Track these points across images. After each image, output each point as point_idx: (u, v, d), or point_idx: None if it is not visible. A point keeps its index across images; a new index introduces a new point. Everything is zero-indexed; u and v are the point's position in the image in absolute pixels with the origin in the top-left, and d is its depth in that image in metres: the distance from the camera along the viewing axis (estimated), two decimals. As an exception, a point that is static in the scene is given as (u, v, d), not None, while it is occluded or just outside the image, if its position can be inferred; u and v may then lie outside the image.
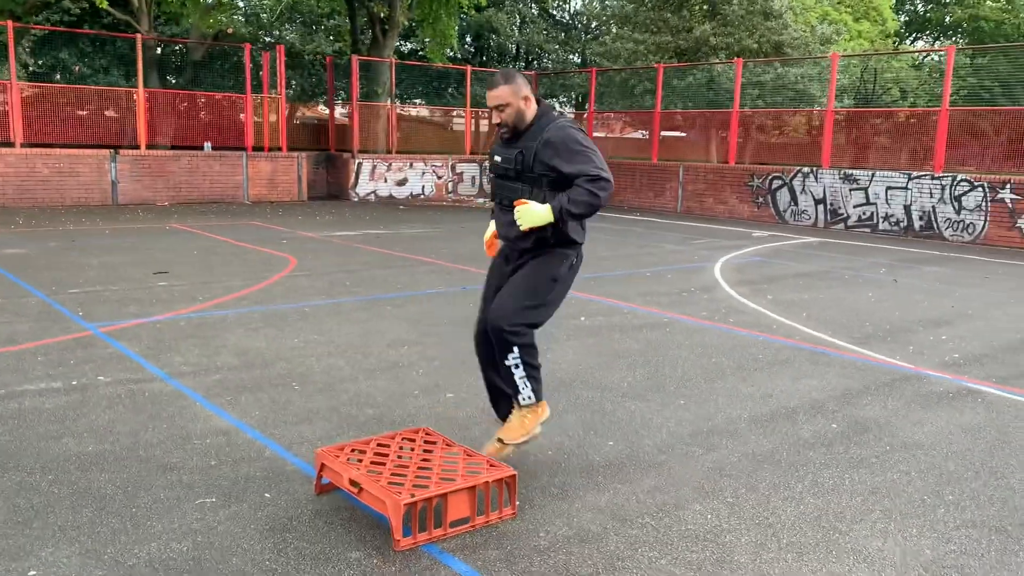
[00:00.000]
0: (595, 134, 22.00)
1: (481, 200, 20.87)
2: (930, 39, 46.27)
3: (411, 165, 20.52)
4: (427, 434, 3.95)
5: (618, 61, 24.37)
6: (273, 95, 19.30)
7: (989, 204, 13.97)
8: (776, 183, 16.97)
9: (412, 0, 21.96)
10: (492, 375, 4.11)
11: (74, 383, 5.21)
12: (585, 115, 24.65)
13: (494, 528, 3.46)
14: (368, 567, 3.13)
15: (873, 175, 15.49)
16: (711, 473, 4.11)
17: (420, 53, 30.83)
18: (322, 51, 28.39)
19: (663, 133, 22.44)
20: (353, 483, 3.43)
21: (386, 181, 20.17)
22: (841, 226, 15.90)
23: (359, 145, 19.89)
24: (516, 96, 3.77)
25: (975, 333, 7.38)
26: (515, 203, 3.73)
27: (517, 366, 3.84)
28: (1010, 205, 13.76)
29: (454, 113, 26.48)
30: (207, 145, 18.32)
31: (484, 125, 26.50)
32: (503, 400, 4.14)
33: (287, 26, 31.85)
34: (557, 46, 33.24)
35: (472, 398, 5.15)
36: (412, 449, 3.76)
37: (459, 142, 22.10)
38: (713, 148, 23.84)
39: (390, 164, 20.22)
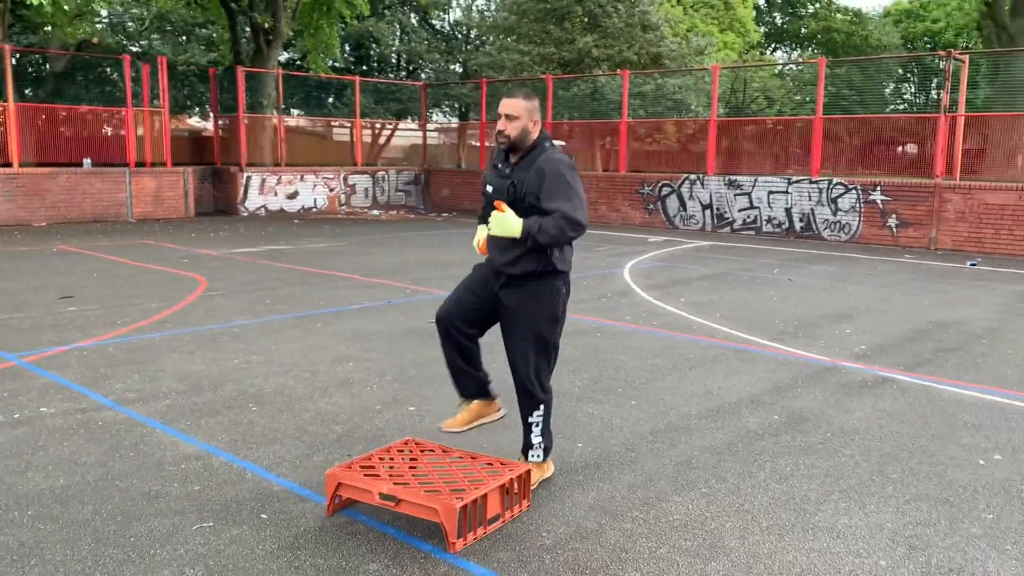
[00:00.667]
0: (486, 144, 22.28)
1: (376, 212, 20.78)
2: (788, 49, 49.11)
3: (302, 178, 20.22)
4: (417, 444, 4.05)
5: (504, 72, 24.78)
6: (156, 107, 18.61)
7: (862, 205, 15.07)
8: (665, 190, 17.70)
9: (296, 10, 21.65)
10: (455, 357, 4.08)
11: (16, 416, 5.00)
12: (471, 125, 24.86)
13: (497, 532, 3.60)
14: (389, 578, 3.22)
15: (755, 180, 16.41)
16: (680, 467, 4.38)
17: (298, 63, 30.37)
18: (195, 62, 27.54)
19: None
20: (387, 497, 3.50)
21: (276, 195, 19.79)
22: (727, 229, 16.76)
23: (247, 158, 19.44)
24: (529, 115, 3.79)
25: (874, 325, 8.03)
26: (496, 204, 3.77)
27: (537, 424, 4.02)
28: (881, 206, 14.89)
29: (335, 123, 26.25)
30: (87, 161, 17.49)
31: (368, 136, 26.34)
32: (466, 379, 4.13)
33: (155, 36, 30.72)
34: (439, 56, 33.43)
35: (436, 410, 5.26)
36: (415, 458, 3.86)
37: (350, 153, 21.93)
38: (598, 157, 24.55)
39: (280, 177, 19.87)
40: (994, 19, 25.70)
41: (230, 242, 14.10)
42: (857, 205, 15.16)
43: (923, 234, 14.48)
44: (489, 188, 3.95)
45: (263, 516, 3.73)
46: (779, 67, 37.39)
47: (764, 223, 16.27)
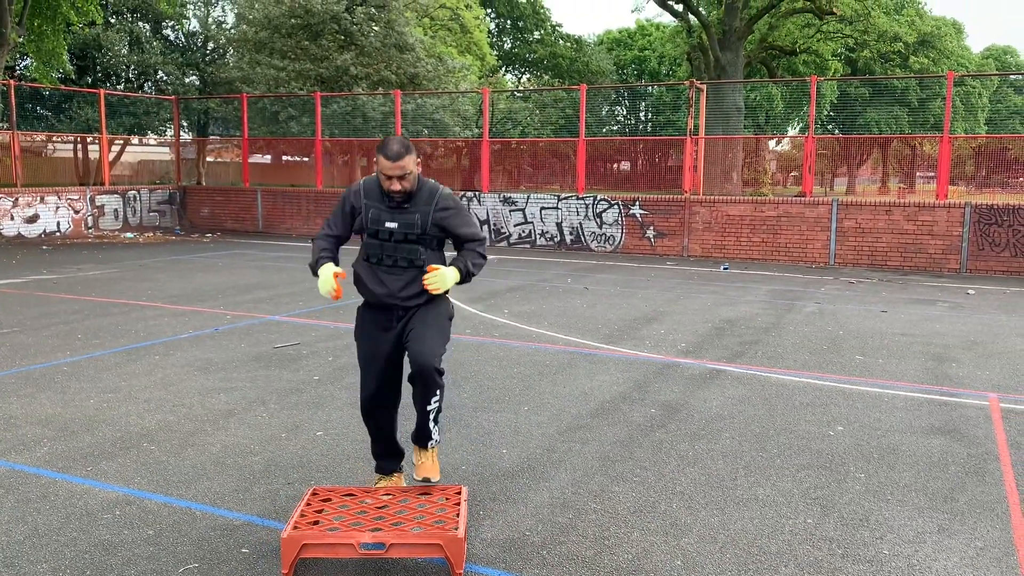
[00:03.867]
0: (251, 160, 21.57)
1: (130, 235, 19.31)
2: (519, 73, 51.96)
3: (42, 199, 18.32)
4: (328, 490, 3.88)
5: (258, 87, 24.05)
6: None
7: (624, 219, 16.57)
8: (440, 206, 18.22)
9: (23, 14, 19.56)
10: (389, 433, 4.17)
11: None
12: (211, 141, 23.88)
13: (489, 538, 3.82)
14: (415, 590, 3.34)
15: (528, 197, 17.44)
16: (603, 462, 4.83)
17: (18, 72, 27.38)
18: None
19: (298, 159, 22.42)
20: (371, 546, 3.36)
21: (13, 219, 17.77)
22: (504, 243, 17.63)
23: (-26, 178, 17.30)
24: (414, 163, 3.90)
25: (680, 325, 9.03)
26: (428, 268, 3.90)
27: (438, 412, 3.98)
28: (640, 219, 16.47)
29: (57, 139, 24.02)
30: None
31: (94, 153, 24.37)
32: (395, 457, 4.24)
33: None
34: (174, 68, 31.57)
35: (343, 431, 5.30)
36: (347, 504, 3.71)
37: (76, 171, 20.21)
38: (359, 173, 24.63)
39: (16, 199, 17.86)
40: (704, 51, 29.16)
41: (-21, 273, 12.57)
42: (619, 219, 16.65)
43: (677, 243, 16.23)
44: (392, 224, 3.92)
45: (244, 551, 3.65)
46: (531, 92, 39.47)
47: (538, 237, 17.33)
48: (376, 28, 24.30)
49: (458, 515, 3.51)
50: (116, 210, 19.92)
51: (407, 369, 4.01)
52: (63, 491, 4.28)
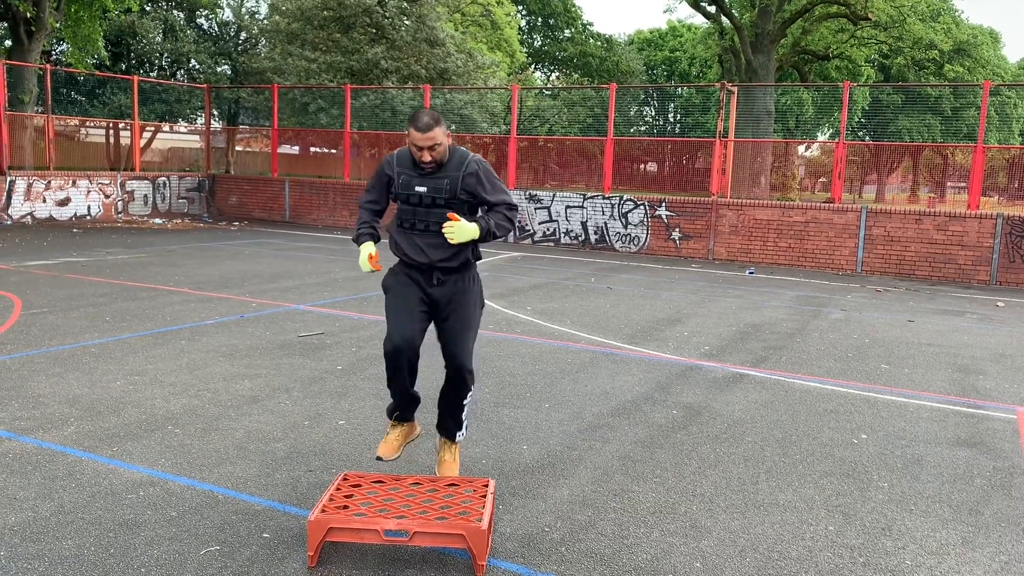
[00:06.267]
0: (279, 150, 21.70)
1: (159, 220, 19.50)
2: (548, 70, 51.89)
3: (74, 183, 18.55)
4: (358, 476, 3.91)
5: (289, 78, 24.20)
6: None
7: (650, 220, 16.51)
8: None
9: (59, 0, 19.83)
10: (408, 384, 4.16)
11: (-99, 453, 4.44)
12: (241, 130, 24.06)
13: (509, 532, 3.83)
14: (433, 581, 3.35)
15: (554, 195, 17.42)
16: (623, 461, 4.82)
17: (54, 57, 27.75)
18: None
19: (326, 150, 22.39)
20: (395, 533, 3.39)
21: (45, 201, 18.01)
22: (529, 241, 17.63)
23: (9, 160, 17.53)
24: (444, 135, 3.99)
25: (704, 327, 8.98)
26: (449, 215, 3.95)
27: (468, 404, 4.25)
28: (666, 220, 16.40)
29: (91, 123, 24.28)
30: None
31: (125, 139, 24.63)
32: (412, 404, 4.30)
33: None
34: (207, 57, 31.85)
35: (365, 421, 5.32)
36: (376, 491, 3.74)
37: (107, 155, 20.40)
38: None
39: (49, 182, 18.10)
40: (736, 54, 28.96)
41: (13, 254, 12.75)
42: (645, 220, 16.59)
43: (703, 246, 16.15)
44: (421, 188, 4.02)
45: (265, 535, 3.68)
46: (560, 90, 39.41)
47: (562, 235, 17.32)
48: (407, 22, 24.37)
49: (483, 507, 3.52)
50: (146, 196, 20.12)
51: (427, 342, 4.13)
52: (89, 470, 4.34)
